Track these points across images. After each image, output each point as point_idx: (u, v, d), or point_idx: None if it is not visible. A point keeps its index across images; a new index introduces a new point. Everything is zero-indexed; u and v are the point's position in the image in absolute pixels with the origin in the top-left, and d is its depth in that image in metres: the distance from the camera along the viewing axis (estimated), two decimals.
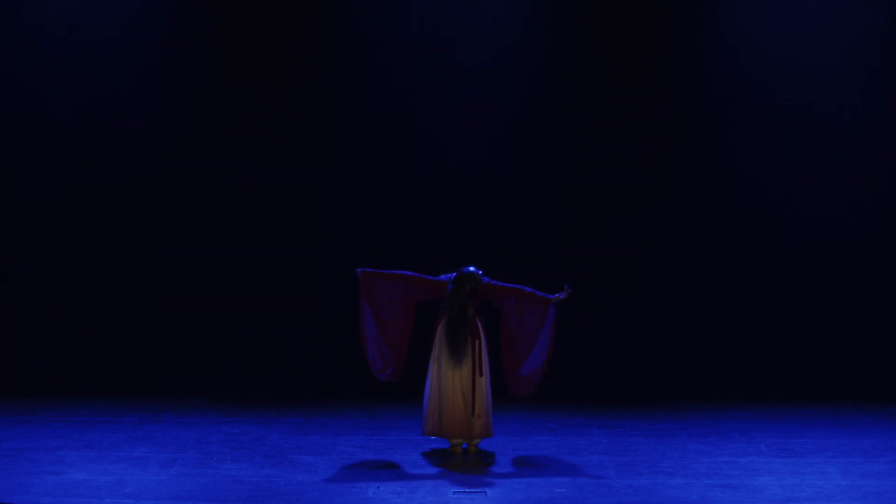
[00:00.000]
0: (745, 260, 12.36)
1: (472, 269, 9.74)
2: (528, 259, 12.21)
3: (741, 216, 12.34)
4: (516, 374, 9.75)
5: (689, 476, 9.04)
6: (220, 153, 12.33)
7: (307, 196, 12.35)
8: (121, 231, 12.36)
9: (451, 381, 9.60)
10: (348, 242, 12.31)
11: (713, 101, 12.27)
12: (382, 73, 12.28)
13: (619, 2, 12.24)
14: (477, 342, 9.64)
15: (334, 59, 12.28)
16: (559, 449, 9.91)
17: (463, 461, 9.50)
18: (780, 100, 12.23)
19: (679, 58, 12.26)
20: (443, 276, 9.80)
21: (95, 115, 12.30)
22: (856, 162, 12.25)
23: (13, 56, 12.26)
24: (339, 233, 12.35)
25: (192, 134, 12.32)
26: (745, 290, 12.36)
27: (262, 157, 12.33)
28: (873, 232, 12.30)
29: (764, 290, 12.35)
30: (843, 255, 12.30)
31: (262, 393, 12.07)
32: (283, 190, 12.34)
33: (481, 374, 9.63)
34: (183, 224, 12.35)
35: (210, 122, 12.31)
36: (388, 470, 9.24)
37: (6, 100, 12.31)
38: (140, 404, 11.57)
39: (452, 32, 12.23)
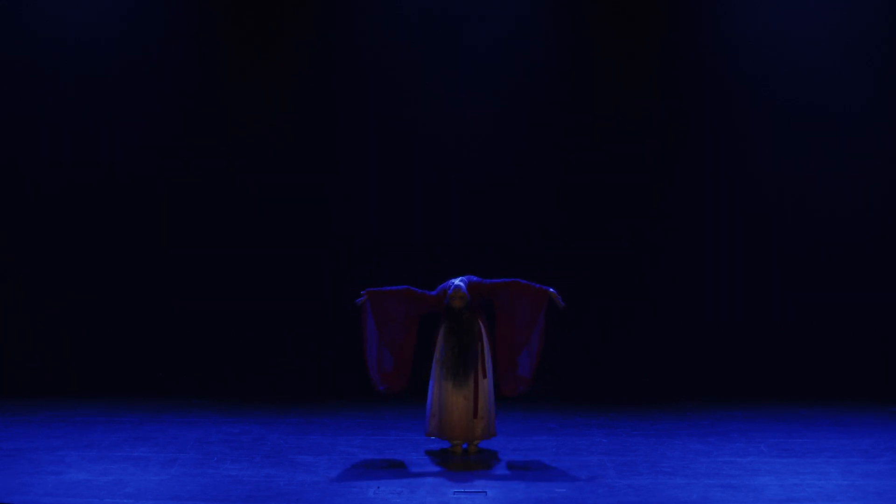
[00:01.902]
0: (745, 260, 12.34)
1: (453, 284, 9.65)
2: (528, 259, 12.20)
3: (741, 216, 12.33)
4: (510, 370, 9.68)
5: (690, 476, 9.04)
6: (220, 153, 12.33)
7: (307, 196, 12.35)
8: (121, 231, 12.35)
9: (452, 385, 9.57)
10: (348, 242, 12.32)
11: (713, 101, 12.26)
12: (382, 73, 12.27)
13: (619, 1, 12.23)
14: (479, 343, 9.61)
15: (334, 59, 12.27)
16: (559, 449, 9.90)
17: (463, 461, 9.49)
18: (781, 100, 12.22)
19: (679, 58, 12.25)
20: (439, 288, 9.74)
21: (95, 116, 12.30)
22: (856, 162, 12.24)
23: (13, 56, 12.25)
24: (339, 233, 12.35)
25: (193, 134, 12.32)
26: (745, 290, 12.35)
27: (262, 157, 12.33)
28: (873, 232, 12.29)
29: (764, 290, 12.33)
30: (843, 255, 12.29)
31: (262, 393, 12.06)
32: (283, 190, 12.33)
33: (484, 376, 9.61)
34: (183, 224, 12.35)
35: (210, 122, 12.31)
36: (388, 470, 9.24)
37: (6, 100, 12.30)
38: (140, 404, 11.57)
39: (452, 32, 12.23)
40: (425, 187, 12.33)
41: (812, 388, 12.02)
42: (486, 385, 9.61)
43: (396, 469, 9.27)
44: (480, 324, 9.66)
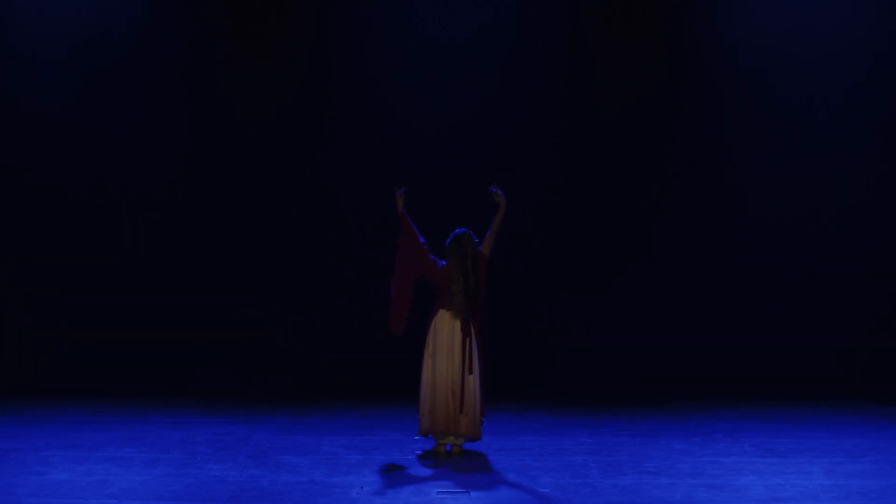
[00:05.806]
0: (743, 260, 12.35)
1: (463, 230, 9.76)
2: (527, 259, 12.23)
3: (740, 216, 12.35)
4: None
5: (674, 476, 9.05)
6: (220, 153, 12.35)
7: (306, 196, 12.36)
8: (119, 231, 12.36)
9: (445, 377, 9.58)
10: (346, 243, 12.32)
11: (712, 100, 12.29)
12: (382, 73, 12.29)
13: (620, 1, 12.24)
14: (468, 340, 9.63)
15: (331, 60, 12.29)
16: (544, 449, 9.91)
17: (447, 461, 9.50)
18: (781, 99, 12.28)
19: (679, 58, 12.27)
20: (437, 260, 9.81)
21: (95, 116, 12.31)
22: (856, 162, 12.27)
23: (12, 56, 12.26)
24: (338, 233, 12.36)
25: (194, 134, 12.33)
26: (742, 290, 12.35)
27: (261, 158, 12.35)
28: (872, 232, 12.31)
29: (761, 289, 12.35)
30: (841, 255, 12.31)
31: (251, 393, 12.07)
32: (281, 190, 12.35)
33: (470, 373, 9.62)
34: (182, 223, 12.36)
35: (210, 122, 12.32)
36: (371, 470, 9.24)
37: (6, 101, 12.32)
38: (127, 404, 11.57)
39: (452, 33, 12.25)
40: (425, 187, 12.29)
41: (798, 388, 12.06)
42: (472, 382, 9.62)
43: (380, 469, 9.27)
44: (471, 324, 9.67)
